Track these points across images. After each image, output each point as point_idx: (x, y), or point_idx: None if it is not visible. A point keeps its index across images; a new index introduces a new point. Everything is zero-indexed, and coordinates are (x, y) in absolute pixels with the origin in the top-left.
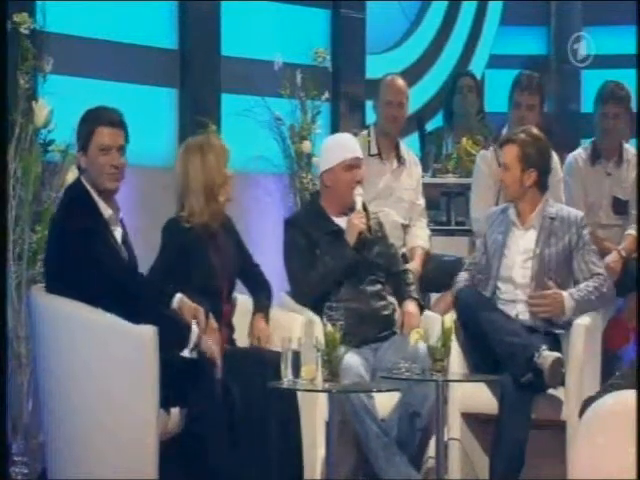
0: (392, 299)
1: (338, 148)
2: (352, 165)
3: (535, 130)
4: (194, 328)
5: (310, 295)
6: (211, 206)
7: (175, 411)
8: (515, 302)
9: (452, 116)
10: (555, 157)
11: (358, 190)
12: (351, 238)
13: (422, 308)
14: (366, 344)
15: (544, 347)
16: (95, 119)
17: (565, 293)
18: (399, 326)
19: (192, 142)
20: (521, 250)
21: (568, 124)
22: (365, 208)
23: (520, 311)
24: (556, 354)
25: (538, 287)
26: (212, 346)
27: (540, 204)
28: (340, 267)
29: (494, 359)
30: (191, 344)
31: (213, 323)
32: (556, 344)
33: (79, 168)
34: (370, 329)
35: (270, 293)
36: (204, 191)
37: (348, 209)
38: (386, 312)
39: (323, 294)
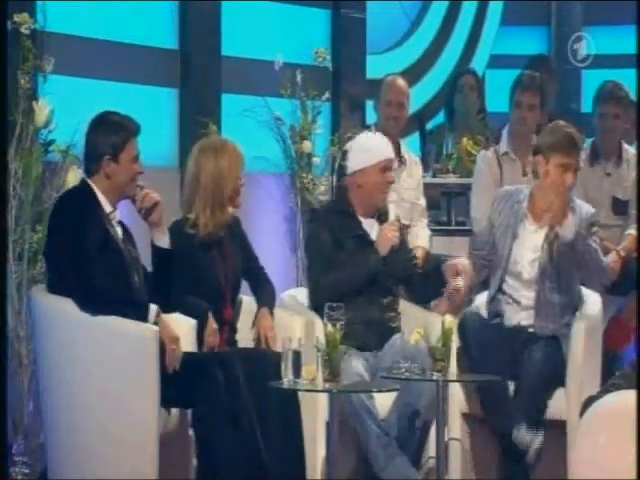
0: (399, 309)
1: (373, 149)
2: (386, 167)
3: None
4: (152, 308)
5: (330, 296)
6: (217, 217)
7: (175, 411)
8: (519, 304)
9: (453, 115)
10: None
11: (391, 196)
12: (383, 250)
13: None
14: (369, 350)
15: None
16: (128, 130)
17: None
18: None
19: (207, 143)
20: (531, 246)
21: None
22: (397, 217)
23: (522, 318)
24: (538, 443)
25: (545, 285)
26: (166, 332)
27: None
28: (366, 275)
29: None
30: (151, 321)
31: (213, 324)
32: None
33: (87, 172)
34: (375, 337)
35: (274, 294)
36: (212, 199)
37: (376, 211)
38: (394, 324)
39: (341, 297)
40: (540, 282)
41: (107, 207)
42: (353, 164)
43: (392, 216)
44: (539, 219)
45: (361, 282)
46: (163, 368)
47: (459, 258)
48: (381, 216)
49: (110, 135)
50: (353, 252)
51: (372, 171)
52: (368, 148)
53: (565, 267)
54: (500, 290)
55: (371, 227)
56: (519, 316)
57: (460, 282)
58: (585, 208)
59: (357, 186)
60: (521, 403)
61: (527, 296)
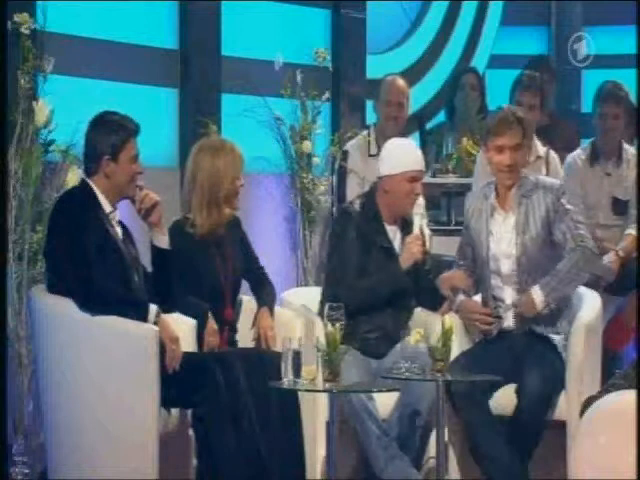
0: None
1: (404, 157)
2: (415, 178)
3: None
4: (152, 307)
5: (353, 303)
6: (213, 217)
7: (175, 411)
8: (504, 303)
9: (454, 113)
10: (556, 157)
11: (418, 208)
12: (406, 264)
13: None
14: (375, 358)
15: None
16: (128, 130)
17: (534, 288)
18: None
19: (206, 143)
20: (504, 238)
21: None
22: (421, 230)
23: (511, 320)
24: None
25: (523, 275)
26: (166, 333)
27: (518, 182)
28: (389, 288)
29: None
30: (150, 322)
31: (213, 324)
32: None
33: (87, 172)
34: (385, 347)
35: (274, 294)
36: (208, 199)
37: (400, 218)
38: (405, 338)
39: (367, 306)
40: (518, 277)
41: (107, 207)
42: (383, 169)
43: (417, 228)
44: (505, 202)
45: (385, 293)
46: (163, 368)
47: (453, 272)
48: (404, 227)
49: (110, 135)
50: (377, 262)
51: (400, 179)
52: (399, 156)
53: (542, 259)
54: (488, 293)
55: (394, 235)
56: (508, 317)
57: (462, 297)
58: (549, 183)
59: (384, 191)
60: (523, 417)
61: (510, 293)
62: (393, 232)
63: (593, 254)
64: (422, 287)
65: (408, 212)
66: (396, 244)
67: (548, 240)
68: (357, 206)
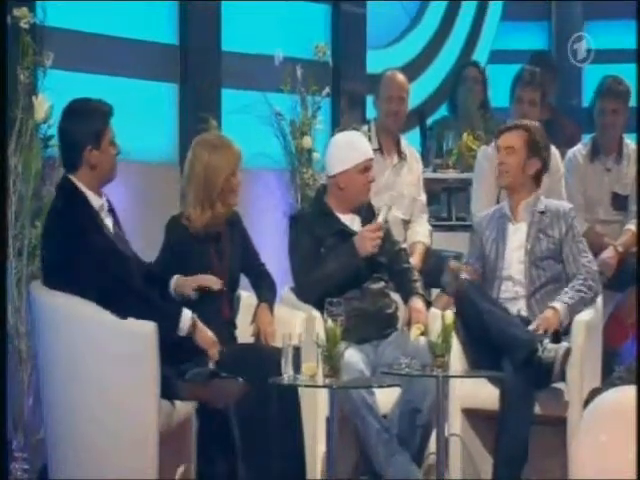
0: (395, 297)
1: (353, 150)
2: (367, 167)
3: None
4: (186, 314)
5: (312, 294)
6: (207, 213)
7: (180, 404)
8: (516, 299)
9: (457, 107)
10: (556, 153)
11: (384, 199)
12: (363, 252)
13: (428, 304)
14: (368, 342)
15: (547, 340)
16: (104, 114)
17: (557, 305)
18: (405, 323)
19: (203, 138)
20: (515, 246)
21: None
22: (386, 220)
23: (521, 307)
24: (565, 345)
25: (530, 283)
26: (206, 339)
27: (531, 197)
28: (345, 273)
29: (494, 354)
30: (183, 331)
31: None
32: (554, 341)
33: (68, 166)
34: (373, 327)
35: (274, 290)
36: (203, 195)
37: (359, 208)
38: (389, 310)
39: (326, 293)
40: (526, 277)
41: (95, 201)
42: (335, 166)
43: (380, 218)
44: (517, 214)
45: (342, 278)
46: (172, 360)
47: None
48: (365, 214)
49: (88, 123)
50: (334, 248)
51: (353, 172)
52: (348, 149)
53: (549, 262)
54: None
55: (352, 221)
56: (517, 307)
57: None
58: (561, 207)
59: (339, 188)
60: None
61: (521, 291)
62: (350, 219)
63: (598, 281)
64: (391, 270)
65: (364, 201)
66: (354, 227)
67: (558, 258)
68: (306, 209)
